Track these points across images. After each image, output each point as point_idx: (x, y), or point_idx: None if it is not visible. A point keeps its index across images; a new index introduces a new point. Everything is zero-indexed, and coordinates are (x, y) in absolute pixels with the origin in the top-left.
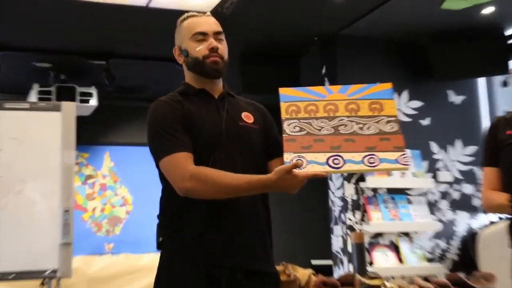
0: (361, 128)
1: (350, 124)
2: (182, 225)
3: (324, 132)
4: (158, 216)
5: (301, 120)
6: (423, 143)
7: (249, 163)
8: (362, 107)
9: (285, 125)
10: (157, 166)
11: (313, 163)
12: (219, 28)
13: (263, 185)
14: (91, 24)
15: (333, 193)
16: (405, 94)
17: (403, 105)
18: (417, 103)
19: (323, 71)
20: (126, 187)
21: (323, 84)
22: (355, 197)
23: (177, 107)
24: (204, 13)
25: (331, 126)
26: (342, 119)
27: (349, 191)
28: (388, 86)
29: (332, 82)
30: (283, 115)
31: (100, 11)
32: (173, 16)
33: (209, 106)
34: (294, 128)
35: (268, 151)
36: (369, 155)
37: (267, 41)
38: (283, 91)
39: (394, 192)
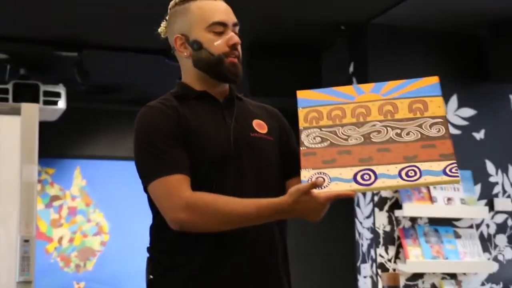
0: (398, 134)
1: (385, 130)
2: (177, 261)
3: (351, 142)
4: (148, 249)
5: (323, 129)
6: (476, 162)
7: (263, 186)
8: (400, 108)
9: (303, 136)
10: (146, 190)
11: (337, 181)
12: (236, 18)
13: (276, 210)
14: (60, 5)
15: (360, 223)
16: (453, 100)
17: (451, 114)
18: (469, 111)
19: (351, 69)
20: (102, 211)
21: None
22: (388, 229)
23: (171, 115)
24: None
25: (360, 134)
26: (374, 125)
27: (381, 220)
28: (434, 80)
29: (362, 83)
30: (301, 123)
31: None
32: None
33: (212, 112)
34: (314, 139)
35: (286, 169)
36: (408, 166)
37: (281, 31)
38: (301, 95)
39: (438, 223)
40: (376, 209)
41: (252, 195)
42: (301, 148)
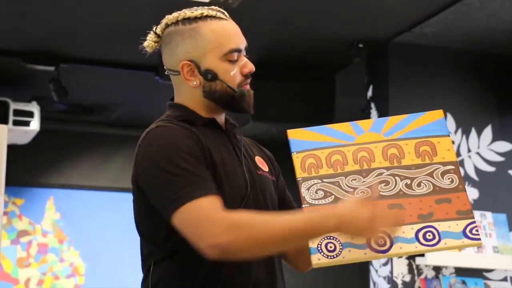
0: (408, 186)
1: (393, 180)
2: None
3: (358, 196)
4: None
5: (324, 180)
6: None
7: None
8: (406, 151)
9: (303, 190)
10: (142, 230)
11: (349, 247)
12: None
13: (323, 213)
14: (34, 11)
15: (376, 271)
16: (487, 132)
17: (485, 148)
18: (505, 145)
19: (369, 93)
20: (77, 249)
21: (368, 112)
22: (408, 279)
23: (194, 138)
24: (220, 11)
25: (367, 186)
26: (381, 173)
27: (400, 269)
28: (438, 115)
29: (382, 110)
30: (298, 173)
31: None
32: (155, 5)
33: (224, 144)
34: (316, 193)
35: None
36: (424, 227)
37: (289, 48)
38: (293, 135)
39: (466, 273)
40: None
41: None
42: (303, 206)
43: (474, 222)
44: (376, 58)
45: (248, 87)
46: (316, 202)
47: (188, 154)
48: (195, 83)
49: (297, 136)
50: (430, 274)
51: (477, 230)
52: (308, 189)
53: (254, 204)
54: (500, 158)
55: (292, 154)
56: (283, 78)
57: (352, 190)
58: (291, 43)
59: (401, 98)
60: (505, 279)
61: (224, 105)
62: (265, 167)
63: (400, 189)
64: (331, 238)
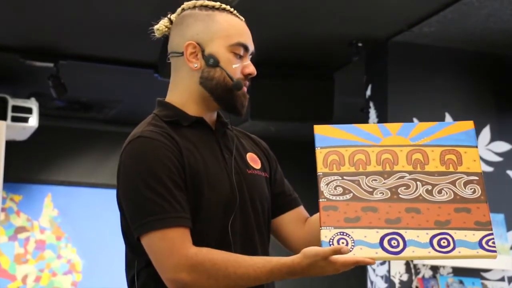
0: (429, 192)
1: (414, 184)
2: None
3: (377, 197)
4: None
5: (345, 177)
6: (510, 205)
7: (261, 227)
8: (431, 158)
9: (322, 184)
10: (128, 237)
11: (362, 245)
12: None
13: (288, 273)
14: (34, 9)
15: (373, 270)
16: (485, 132)
17: (483, 148)
18: (503, 146)
19: (368, 92)
20: (74, 246)
21: (367, 111)
22: (405, 278)
23: (172, 149)
24: (239, 15)
25: (387, 187)
26: (402, 177)
27: (398, 268)
28: (468, 126)
29: (381, 109)
30: (320, 167)
31: None
32: (153, 2)
33: (210, 146)
34: (335, 189)
35: (274, 205)
36: (440, 234)
37: (288, 47)
38: (319, 131)
39: (464, 273)
40: None
41: (258, 239)
42: (320, 200)
43: (492, 234)
44: (375, 57)
45: (245, 89)
46: (334, 198)
47: (164, 174)
48: (196, 66)
49: (323, 131)
50: (428, 273)
51: (493, 242)
52: (327, 184)
53: (240, 207)
54: (498, 158)
55: (316, 148)
56: (281, 76)
57: (371, 190)
58: (290, 42)
59: (399, 98)
60: (502, 279)
61: (217, 96)
62: (257, 164)
63: (420, 194)
64: (344, 234)
